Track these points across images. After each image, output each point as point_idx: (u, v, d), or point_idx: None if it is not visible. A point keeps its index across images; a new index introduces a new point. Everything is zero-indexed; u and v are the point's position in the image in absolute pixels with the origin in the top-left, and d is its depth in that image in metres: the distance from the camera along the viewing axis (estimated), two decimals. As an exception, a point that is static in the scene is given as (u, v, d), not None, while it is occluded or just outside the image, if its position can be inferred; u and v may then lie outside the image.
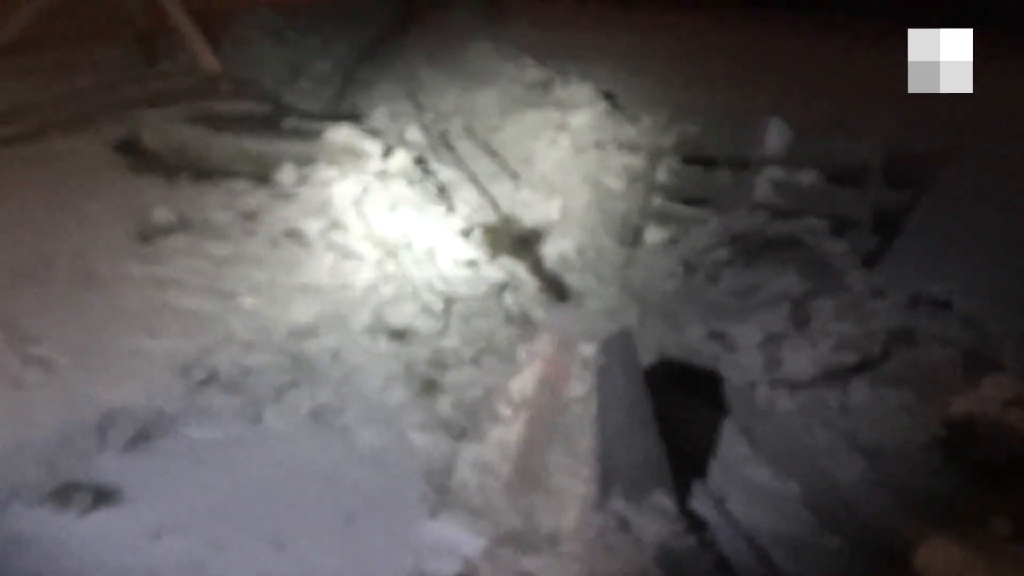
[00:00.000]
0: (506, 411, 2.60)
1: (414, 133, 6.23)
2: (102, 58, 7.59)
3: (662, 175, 5.03)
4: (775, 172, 4.86)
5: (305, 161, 5.23)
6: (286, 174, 5.09)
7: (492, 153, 6.64)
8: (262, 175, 5.22)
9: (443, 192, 5.13)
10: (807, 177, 4.87)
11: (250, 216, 4.74)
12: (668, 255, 4.62)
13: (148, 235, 4.49)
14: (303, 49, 8.33)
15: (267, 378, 3.37)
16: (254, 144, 5.41)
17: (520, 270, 4.37)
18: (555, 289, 4.29)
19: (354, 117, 6.27)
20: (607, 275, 4.64)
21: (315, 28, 9.22)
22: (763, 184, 4.80)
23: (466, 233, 4.52)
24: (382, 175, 4.90)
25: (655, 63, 9.49)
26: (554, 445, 2.42)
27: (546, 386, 2.56)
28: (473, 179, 5.93)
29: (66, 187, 5.03)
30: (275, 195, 4.91)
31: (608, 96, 7.04)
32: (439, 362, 3.48)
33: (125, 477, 2.81)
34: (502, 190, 6.05)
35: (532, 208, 5.72)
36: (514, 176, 6.25)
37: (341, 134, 5.14)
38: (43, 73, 7.03)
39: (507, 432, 2.56)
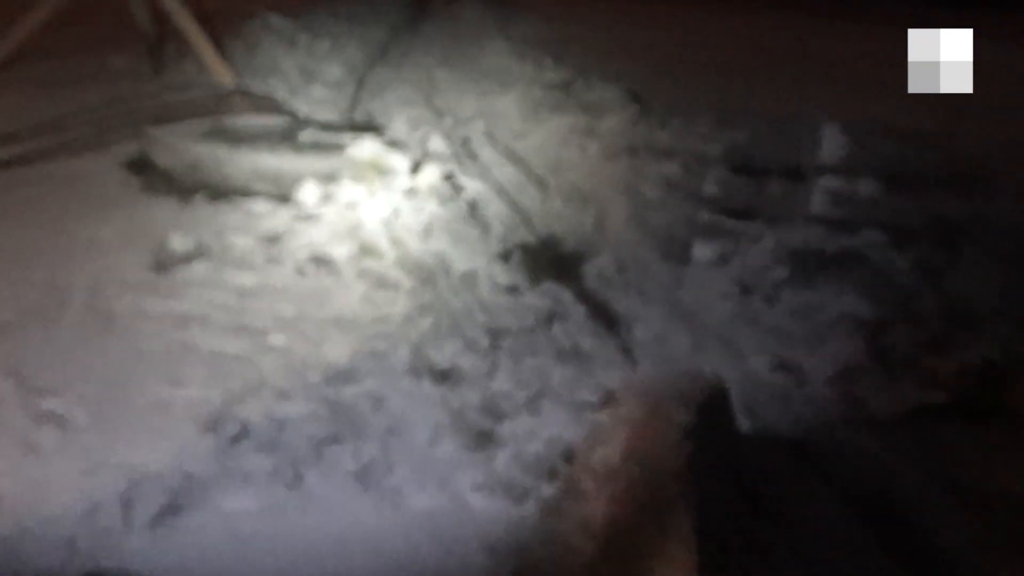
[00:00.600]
0: (586, 482, 2.25)
1: (437, 143, 5.87)
2: (109, 68, 7.25)
3: (709, 186, 4.67)
4: (831, 181, 4.51)
5: (328, 178, 4.90)
6: (308, 193, 4.75)
7: (517, 161, 6.28)
8: (283, 194, 4.89)
9: (475, 209, 4.77)
10: (865, 186, 4.53)
11: (273, 240, 4.40)
12: (720, 273, 4.26)
13: (165, 264, 4.15)
14: (315, 53, 7.98)
15: (305, 432, 3.02)
16: (272, 161, 5.07)
17: (564, 295, 4.03)
18: (603, 316, 3.94)
19: (373, 128, 5.90)
20: (654, 295, 4.29)
21: (326, 30, 8.87)
22: (819, 195, 4.46)
23: (505, 256, 4.18)
24: (411, 193, 4.56)
25: (679, 60, 9.12)
26: (645, 525, 2.08)
27: (633, 456, 2.21)
28: (501, 191, 5.58)
29: (76, 212, 4.70)
30: (298, 217, 4.57)
31: (637, 98, 6.66)
32: (491, 409, 3.14)
33: (156, 561, 2.46)
34: (531, 202, 5.70)
35: (565, 221, 5.37)
36: (542, 186, 5.90)
37: (365, 149, 4.79)
38: (48, 86, 6.69)
39: (588, 506, 2.22)
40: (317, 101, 7.05)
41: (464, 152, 6.02)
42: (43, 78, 6.87)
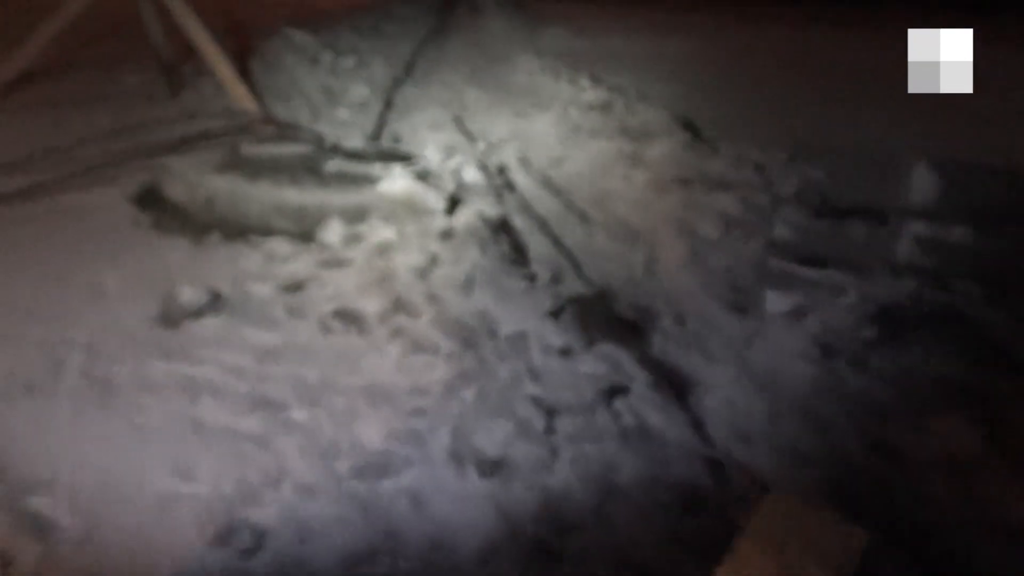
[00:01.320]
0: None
1: (472, 173, 5.35)
2: (122, 89, 6.75)
3: (781, 229, 4.12)
4: (920, 227, 3.96)
5: (355, 216, 4.38)
6: (333, 233, 4.24)
7: (556, 191, 5.74)
8: (305, 233, 4.38)
9: (518, 254, 4.24)
10: (958, 231, 3.97)
11: (295, 289, 3.88)
12: (797, 331, 3.72)
13: (174, 318, 3.64)
14: (339, 72, 7.47)
15: (333, 543, 2.50)
16: (294, 195, 4.56)
17: (623, 357, 3.49)
18: (668, 383, 3.40)
19: (403, 156, 5.37)
20: (721, 355, 3.75)
21: (350, 47, 8.36)
22: (907, 242, 3.90)
23: (556, 312, 3.65)
24: (447, 236, 4.03)
25: (724, 77, 8.57)
26: None
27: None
28: (544, 228, 5.04)
29: (79, 253, 4.19)
30: (323, 261, 4.05)
31: (685, 122, 6.11)
32: (554, 517, 2.60)
33: None
34: (575, 238, 5.16)
35: (614, 262, 4.84)
36: (586, 220, 5.37)
37: (397, 185, 4.27)
38: (58, 106, 6.20)
39: None
40: (341, 124, 6.54)
41: (501, 182, 5.49)
42: (52, 98, 6.39)
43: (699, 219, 4.90)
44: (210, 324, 3.65)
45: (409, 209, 4.23)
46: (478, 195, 5.14)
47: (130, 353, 3.44)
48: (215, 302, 3.73)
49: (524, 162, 6.20)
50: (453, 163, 5.53)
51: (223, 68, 5.66)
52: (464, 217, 4.15)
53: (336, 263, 4.03)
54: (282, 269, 4.05)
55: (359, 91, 7.14)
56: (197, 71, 6.95)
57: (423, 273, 3.72)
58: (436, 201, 4.26)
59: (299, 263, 4.09)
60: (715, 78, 8.20)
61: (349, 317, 3.62)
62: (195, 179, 4.60)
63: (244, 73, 6.64)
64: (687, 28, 12.60)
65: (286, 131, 5.42)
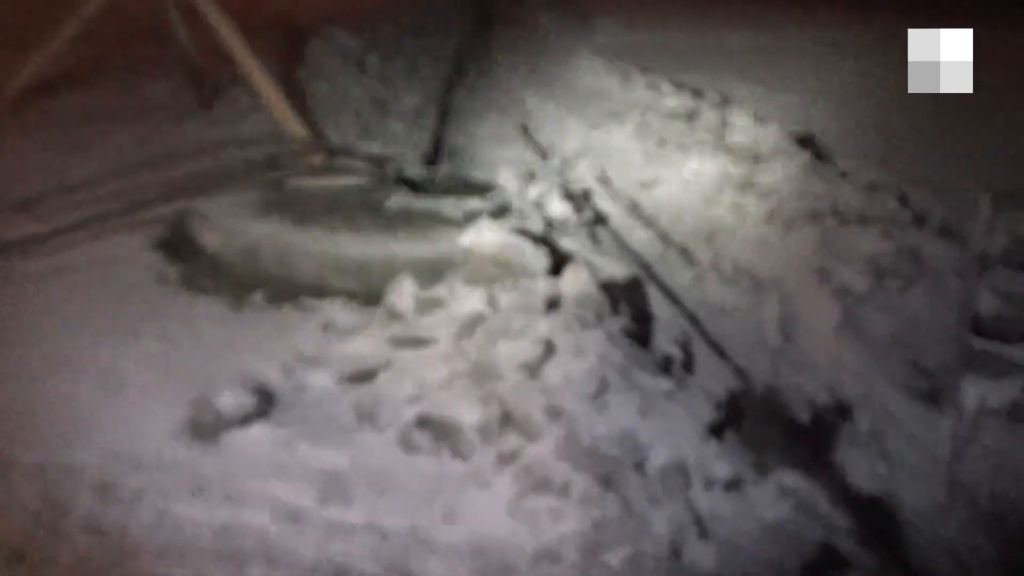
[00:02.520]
0: None
1: (557, 205, 4.35)
2: (146, 101, 5.79)
3: (986, 299, 3.10)
4: None
5: (430, 272, 3.41)
6: (405, 296, 3.26)
7: (649, 221, 4.74)
8: (370, 294, 3.41)
9: (642, 324, 3.24)
10: None
11: (363, 379, 2.92)
12: (1017, 435, 2.70)
13: (210, 428, 2.67)
14: (387, 77, 6.46)
15: None
16: (354, 244, 3.59)
17: (803, 487, 2.49)
18: (865, 517, 2.40)
19: (477, 187, 4.38)
20: (919, 468, 2.77)
21: (395, 47, 7.34)
22: None
23: (716, 428, 2.65)
24: (556, 307, 3.04)
25: (817, 76, 7.50)
26: None
27: None
28: (652, 276, 4.05)
29: (93, 327, 3.24)
30: (397, 339, 3.08)
31: (801, 138, 5.07)
32: None
33: None
34: (680, 284, 4.17)
35: (733, 319, 3.84)
36: (690, 259, 4.37)
37: (484, 238, 3.27)
38: (74, 126, 5.25)
39: None
40: (395, 138, 5.54)
41: (591, 215, 4.49)
42: (68, 113, 5.44)
43: (841, 265, 3.89)
44: (256, 437, 2.69)
45: (500, 267, 3.24)
46: (569, 234, 4.15)
47: (152, 487, 2.48)
48: (262, 403, 2.76)
49: (605, 182, 5.19)
50: (534, 192, 4.53)
51: (264, 85, 4.68)
52: (574, 283, 3.14)
53: (413, 342, 3.06)
54: (345, 348, 3.08)
55: (411, 99, 6.15)
56: (230, 78, 5.97)
57: (534, 369, 2.72)
58: (536, 258, 3.26)
59: (366, 339, 3.11)
60: (808, 78, 7.13)
61: (439, 429, 2.65)
62: (233, 223, 3.64)
63: (286, 81, 5.65)
64: (744, 18, 11.50)
65: (337, 157, 4.42)
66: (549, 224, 4.15)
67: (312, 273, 3.53)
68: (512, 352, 2.73)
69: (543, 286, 3.12)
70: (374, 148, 5.21)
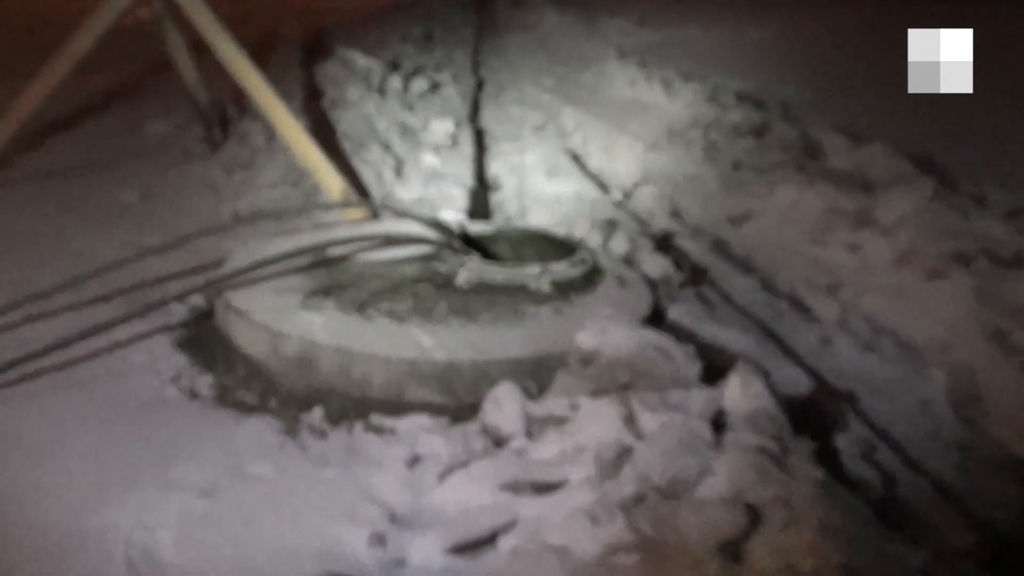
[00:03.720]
0: None
1: (651, 261, 3.52)
2: (147, 142, 4.95)
3: None
4: None
5: (534, 375, 2.58)
6: (509, 415, 2.45)
7: (744, 267, 3.91)
8: (459, 407, 2.59)
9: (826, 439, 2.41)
10: None
11: (479, 548, 2.09)
12: None
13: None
14: (411, 100, 5.60)
15: None
16: (432, 339, 2.74)
17: None
18: None
19: (556, 242, 3.54)
20: None
21: (412, 64, 6.48)
22: None
23: None
24: (727, 430, 2.21)
25: (860, 70, 6.67)
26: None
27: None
28: (786, 352, 3.22)
29: (113, 474, 2.39)
30: (513, 483, 2.24)
31: (917, 159, 4.24)
32: None
33: None
34: (807, 347, 3.35)
35: (885, 395, 3.04)
36: (807, 314, 3.55)
37: (614, 340, 2.43)
38: (66, 181, 4.38)
39: None
40: (433, 175, 4.69)
41: (689, 271, 3.66)
42: (59, 165, 4.57)
43: (1018, 326, 3.06)
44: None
45: (635, 373, 2.40)
46: (674, 297, 3.32)
47: None
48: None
49: (681, 217, 4.36)
50: (619, 245, 3.70)
51: (289, 128, 3.80)
52: (743, 393, 2.31)
53: (537, 487, 2.22)
54: (446, 496, 2.26)
55: (442, 125, 5.29)
56: (240, 108, 5.10)
57: (738, 551, 1.89)
58: (687, 363, 2.43)
59: (470, 481, 2.28)
60: (862, 76, 6.29)
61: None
62: (276, 318, 2.78)
63: (304, 111, 4.77)
64: (759, 10, 10.65)
65: (385, 215, 3.57)
66: (651, 283, 3.31)
67: (382, 380, 2.68)
68: (698, 520, 1.89)
69: (700, 401, 2.28)
70: (414, 190, 4.37)
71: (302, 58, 6.38)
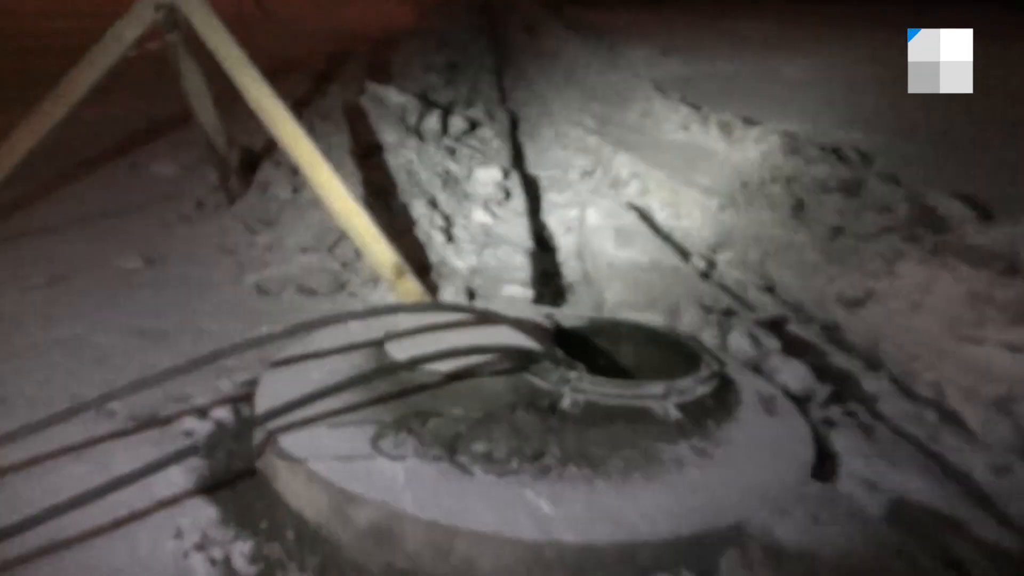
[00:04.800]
0: None
1: (789, 368, 2.75)
2: (154, 191, 4.15)
3: None
4: None
5: (693, 564, 1.79)
6: None
7: (875, 365, 3.16)
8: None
9: None
10: None
11: None
12: None
13: None
14: (450, 143, 4.81)
15: None
16: (554, 502, 1.95)
17: None
18: None
19: (667, 341, 2.76)
20: None
21: (442, 97, 5.70)
22: None
23: None
24: None
25: (930, 113, 5.94)
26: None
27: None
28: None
29: None
30: None
31: None
32: None
33: None
34: (983, 479, 2.58)
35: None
36: (970, 432, 2.79)
37: (819, 535, 1.65)
38: (57, 241, 3.55)
39: None
40: (485, 237, 3.90)
41: (830, 388, 2.88)
42: (47, 224, 3.74)
43: None
44: None
45: None
46: (821, 417, 2.56)
47: None
48: None
49: (775, 294, 3.61)
50: (737, 342, 2.91)
51: (338, 197, 3.01)
52: None
53: None
54: None
55: (488, 174, 4.53)
56: (262, 151, 4.31)
57: None
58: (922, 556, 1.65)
59: None
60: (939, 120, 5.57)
61: None
62: (343, 473, 1.99)
63: (339, 164, 3.97)
64: (785, 41, 9.93)
65: (450, 308, 2.77)
66: (796, 400, 2.56)
67: (493, 567, 1.89)
68: None
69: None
70: (468, 257, 3.59)
71: (322, 90, 5.59)
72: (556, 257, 4.21)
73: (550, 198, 4.86)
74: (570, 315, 2.97)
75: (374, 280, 3.30)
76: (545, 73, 8.29)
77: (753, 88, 7.60)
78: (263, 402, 2.20)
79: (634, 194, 4.95)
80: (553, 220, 4.53)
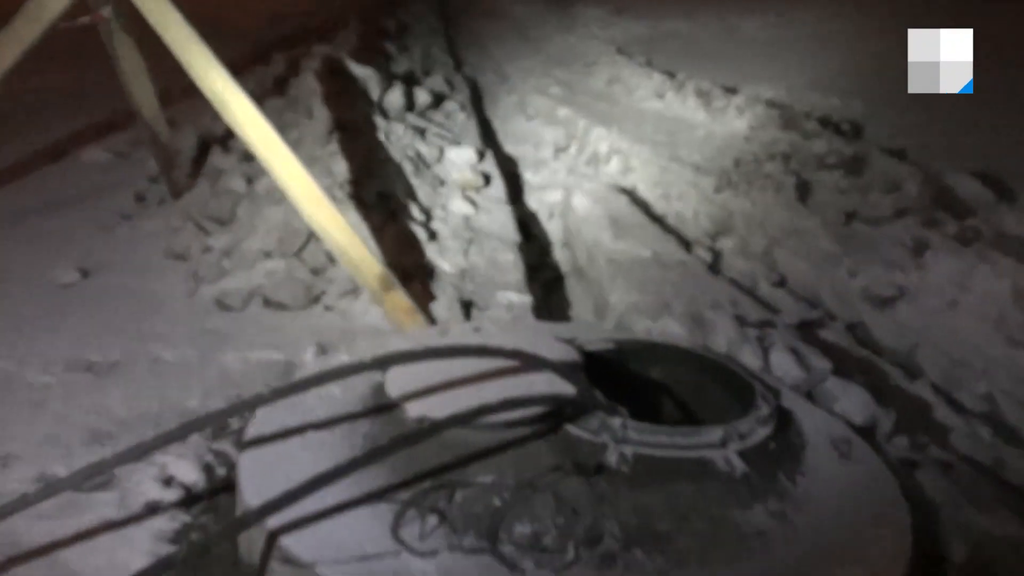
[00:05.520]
0: None
1: (853, 395, 2.37)
2: (87, 184, 3.54)
3: None
4: None
5: None
6: None
7: (908, 369, 2.82)
8: None
9: None
10: None
11: None
12: None
13: None
14: (417, 119, 4.31)
15: None
16: None
17: None
18: None
19: (690, 365, 2.35)
20: None
21: (401, 65, 5.16)
22: None
23: None
24: None
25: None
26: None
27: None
28: None
29: None
30: None
31: None
32: None
33: None
34: None
35: None
36: None
37: None
38: None
39: None
40: (469, 232, 3.44)
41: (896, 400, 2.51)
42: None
43: None
44: None
45: None
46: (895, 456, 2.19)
47: None
48: None
49: (788, 288, 3.24)
50: (782, 363, 2.51)
51: (311, 197, 2.51)
52: None
53: None
54: None
55: (461, 155, 4.01)
56: (201, 131, 3.75)
57: None
58: None
59: None
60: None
61: None
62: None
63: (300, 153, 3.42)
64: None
65: (461, 351, 2.27)
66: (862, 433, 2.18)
67: None
68: None
69: None
70: (454, 257, 3.12)
71: (264, 59, 5.00)
72: (543, 246, 3.76)
73: (526, 178, 4.39)
74: (591, 334, 2.52)
75: (354, 290, 2.81)
76: (496, 35, 7.76)
77: (716, 49, 7.20)
78: (251, 491, 1.72)
79: (616, 172, 4.51)
80: (533, 203, 4.07)
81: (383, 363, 1.84)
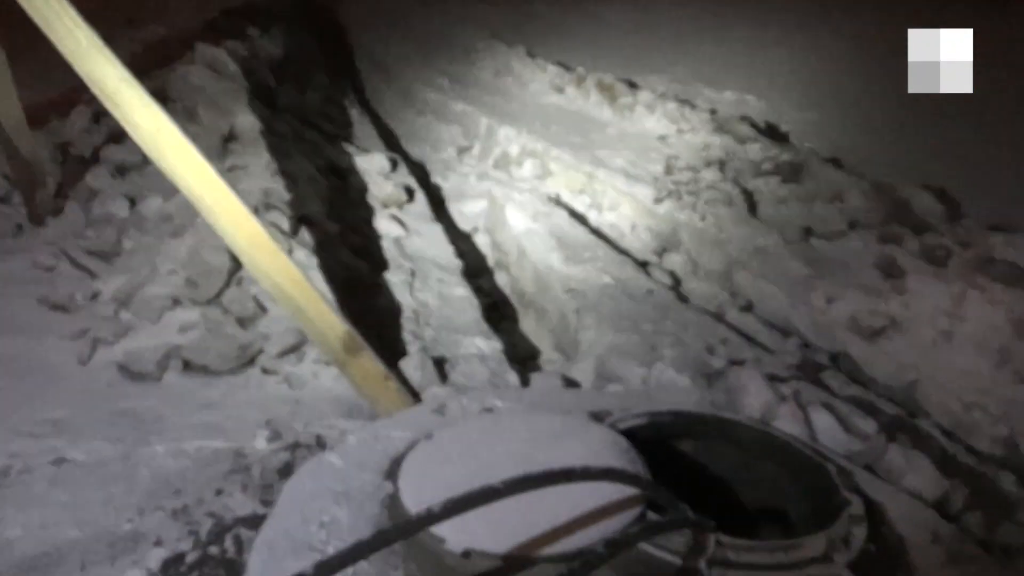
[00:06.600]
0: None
1: (920, 469, 2.04)
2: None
3: None
4: None
5: None
6: None
7: (908, 410, 2.58)
8: None
9: None
10: None
11: None
12: None
13: None
14: (312, 116, 3.71)
15: None
16: None
17: None
18: None
19: (727, 437, 1.93)
20: None
21: (269, 51, 4.51)
22: None
23: None
24: None
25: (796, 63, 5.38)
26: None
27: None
28: None
29: None
30: None
31: None
32: None
33: None
34: None
35: None
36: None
37: None
38: None
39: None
40: (407, 261, 2.92)
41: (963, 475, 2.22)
42: None
43: None
44: None
45: None
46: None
47: None
48: None
49: (755, 314, 2.94)
50: (824, 424, 2.16)
51: (246, 230, 1.91)
52: None
53: None
54: None
55: (372, 162, 3.45)
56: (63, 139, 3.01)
57: None
58: None
59: None
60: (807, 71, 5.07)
61: None
62: None
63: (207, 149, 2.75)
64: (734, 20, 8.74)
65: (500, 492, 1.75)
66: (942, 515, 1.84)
67: None
68: None
69: None
70: (401, 294, 2.59)
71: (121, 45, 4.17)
72: (473, 267, 3.26)
73: (436, 183, 3.85)
74: (616, 406, 2.04)
75: (296, 346, 2.22)
76: (360, 19, 7.06)
77: (583, 32, 6.79)
78: None
79: (531, 177, 4.06)
80: (452, 214, 3.55)
81: (454, 511, 1.29)
